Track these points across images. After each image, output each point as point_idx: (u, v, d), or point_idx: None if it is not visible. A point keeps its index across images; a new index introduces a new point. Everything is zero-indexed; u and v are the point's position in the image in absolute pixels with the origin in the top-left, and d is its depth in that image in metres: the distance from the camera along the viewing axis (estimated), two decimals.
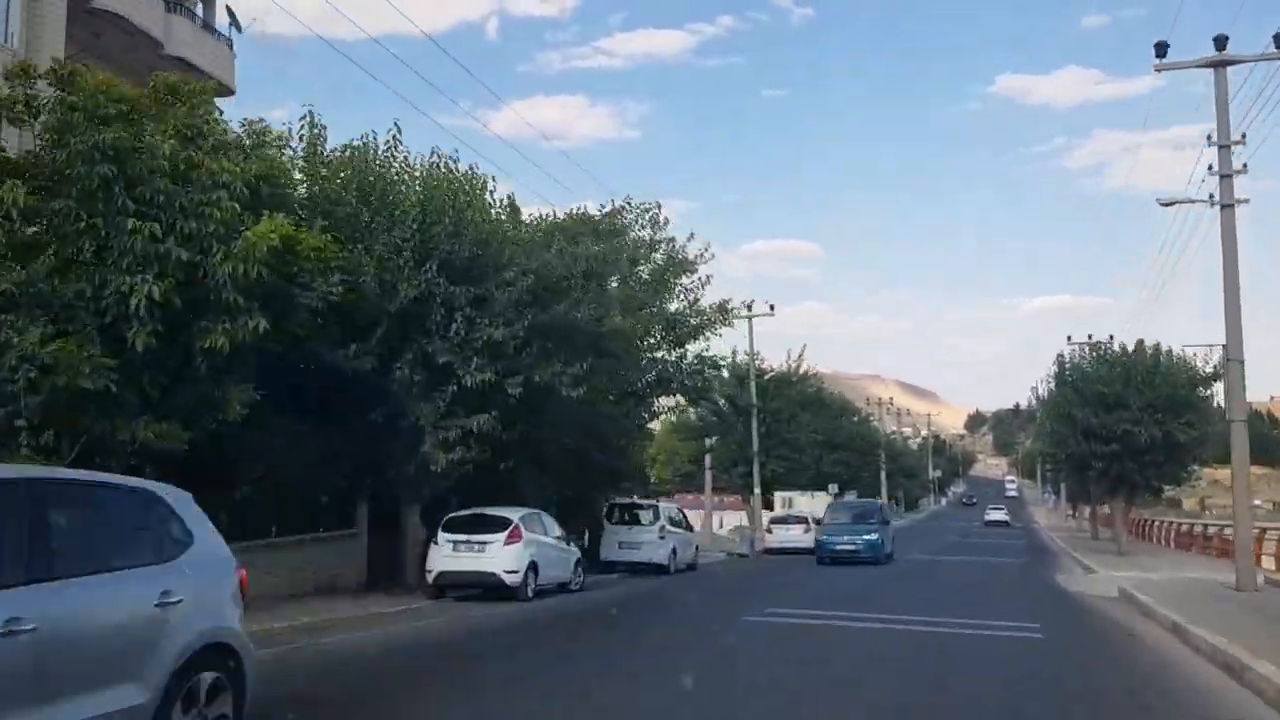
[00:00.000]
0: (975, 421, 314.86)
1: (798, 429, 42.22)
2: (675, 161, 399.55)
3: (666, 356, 26.17)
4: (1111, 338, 34.13)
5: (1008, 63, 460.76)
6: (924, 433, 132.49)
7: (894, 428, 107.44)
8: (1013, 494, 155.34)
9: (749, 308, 43.23)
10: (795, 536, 36.82)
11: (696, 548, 29.59)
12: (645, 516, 25.90)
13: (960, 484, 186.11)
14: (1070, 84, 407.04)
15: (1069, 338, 34.87)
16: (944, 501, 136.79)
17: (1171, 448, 31.60)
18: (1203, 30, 18.72)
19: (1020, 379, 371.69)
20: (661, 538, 25.68)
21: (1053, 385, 34.58)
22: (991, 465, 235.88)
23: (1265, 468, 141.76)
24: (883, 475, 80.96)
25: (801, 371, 43.75)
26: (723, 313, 27.63)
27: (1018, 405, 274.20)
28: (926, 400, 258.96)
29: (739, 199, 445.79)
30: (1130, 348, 32.77)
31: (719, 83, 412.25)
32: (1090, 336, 34.42)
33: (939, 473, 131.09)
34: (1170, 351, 31.92)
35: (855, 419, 63.49)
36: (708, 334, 26.89)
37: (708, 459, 43.81)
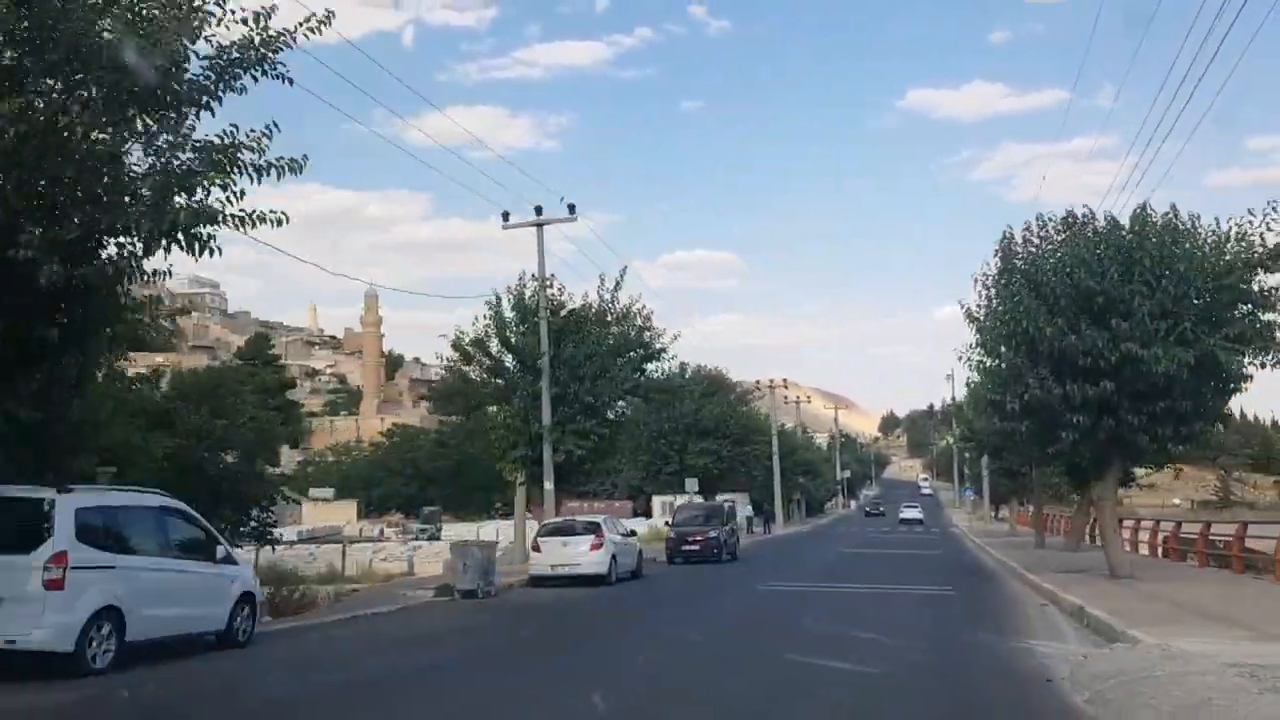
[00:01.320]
0: (889, 424, 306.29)
1: (607, 386, 27.46)
2: (595, 173, 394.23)
3: None
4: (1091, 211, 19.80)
5: (918, 77, 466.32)
6: (833, 430, 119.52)
7: (803, 431, 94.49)
8: (928, 492, 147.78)
9: (538, 211, 28.74)
10: (575, 557, 22.13)
11: None
12: None
13: (873, 486, 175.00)
14: (977, 98, 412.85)
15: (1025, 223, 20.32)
16: (853, 505, 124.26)
17: (1205, 380, 17.74)
18: None
19: (933, 386, 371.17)
20: None
21: (989, 297, 19.84)
22: (906, 467, 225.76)
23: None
24: (776, 472, 67.18)
25: (626, 306, 28.98)
26: None
27: (931, 406, 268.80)
28: (842, 407, 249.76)
29: (659, 210, 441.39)
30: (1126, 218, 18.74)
31: (637, 94, 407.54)
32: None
33: (848, 473, 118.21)
34: (1199, 218, 18.03)
35: (732, 396, 49.24)
36: None
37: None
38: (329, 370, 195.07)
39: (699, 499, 43.57)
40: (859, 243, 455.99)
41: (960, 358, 21.16)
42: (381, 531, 72.82)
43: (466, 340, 28.19)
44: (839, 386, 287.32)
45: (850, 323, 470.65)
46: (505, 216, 28.72)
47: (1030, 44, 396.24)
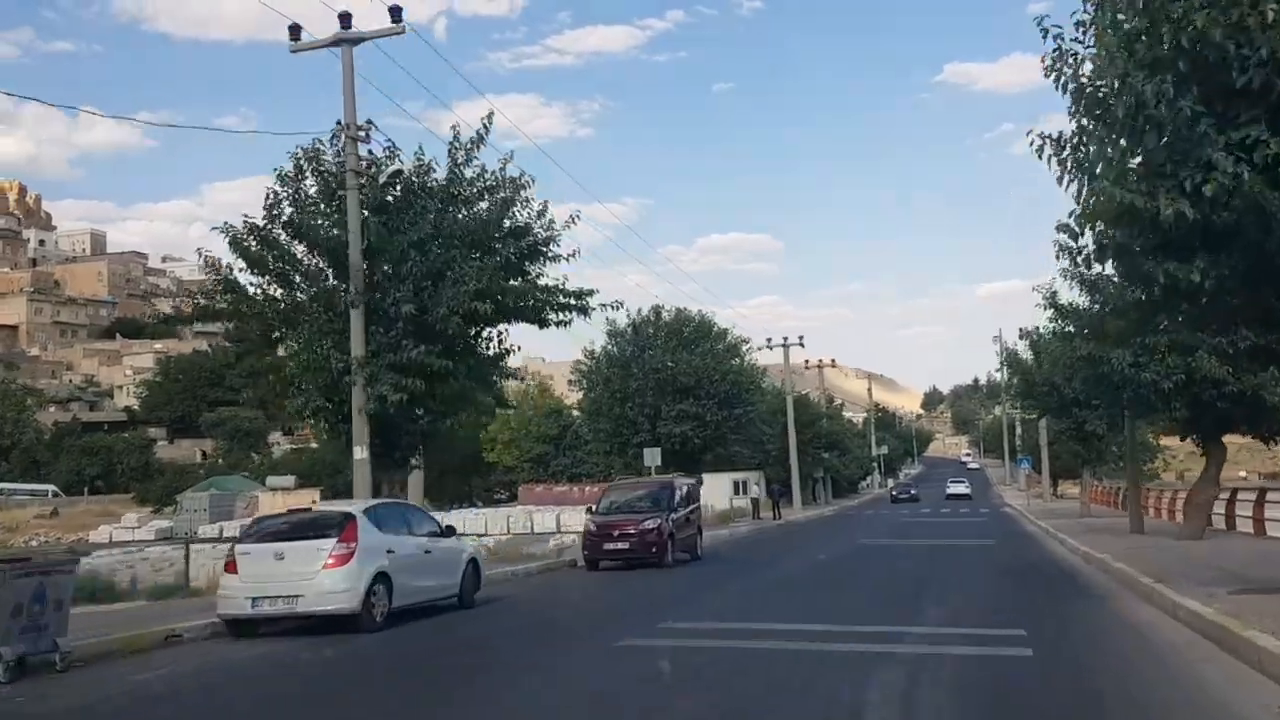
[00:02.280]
0: (932, 400, 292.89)
1: (447, 293, 16.77)
2: (629, 158, 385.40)
3: None
4: None
5: (956, 51, 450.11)
6: (868, 406, 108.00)
7: (829, 401, 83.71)
8: (974, 467, 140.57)
9: (344, 21, 18.12)
10: (294, 581, 11.57)
11: None
12: None
13: (914, 464, 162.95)
14: (1017, 70, 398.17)
15: None
16: (891, 484, 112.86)
17: None
18: None
19: (976, 363, 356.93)
20: None
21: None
22: (950, 444, 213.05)
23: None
24: (791, 441, 56.31)
25: (494, 172, 18.01)
26: None
27: (976, 380, 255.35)
28: (885, 387, 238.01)
29: (694, 194, 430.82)
30: None
31: (670, 78, 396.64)
32: None
33: (884, 449, 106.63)
34: None
35: (720, 346, 38.25)
36: None
37: None
38: None
39: (686, 478, 33.27)
40: (897, 222, 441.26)
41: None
42: None
43: (243, 232, 17.69)
44: (879, 367, 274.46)
45: (890, 302, 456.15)
46: (293, 33, 18.22)
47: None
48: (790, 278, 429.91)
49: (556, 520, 49.80)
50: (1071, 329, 22.56)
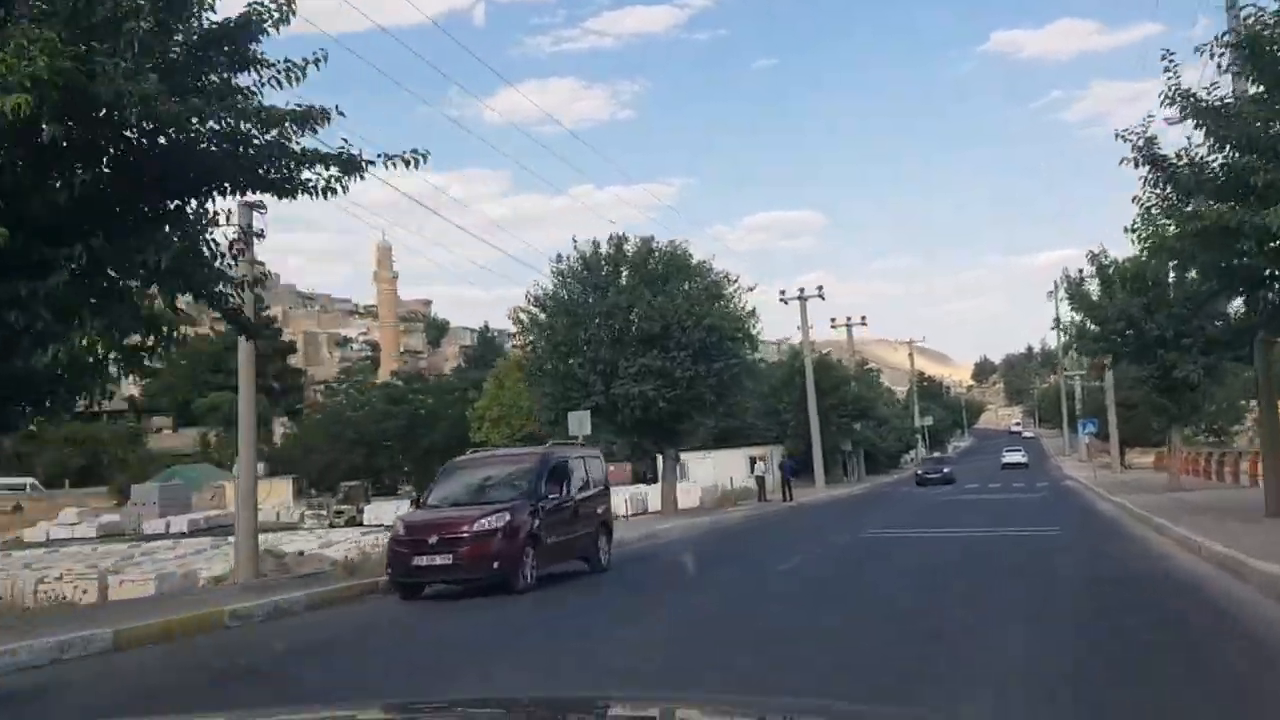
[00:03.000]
0: (983, 370, 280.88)
1: None
2: (671, 138, 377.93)
3: None
4: None
5: (1000, 18, 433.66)
6: (910, 374, 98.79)
7: (861, 363, 75.52)
8: (1028, 436, 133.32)
9: None
10: None
11: None
12: None
13: (965, 437, 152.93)
14: (1064, 36, 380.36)
15: None
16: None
17: None
18: None
19: (1030, 333, 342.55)
20: None
21: None
22: (1003, 415, 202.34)
23: None
24: (812, 407, 47.94)
25: None
26: None
27: (1030, 348, 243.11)
28: (937, 361, 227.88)
29: (737, 172, 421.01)
30: None
31: (711, 56, 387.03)
32: None
33: (929, 419, 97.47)
34: None
35: (689, 285, 29.61)
36: None
37: None
38: (362, 338, 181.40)
39: (579, 449, 26.59)
40: (943, 193, 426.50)
41: None
42: (302, 516, 56.13)
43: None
44: (930, 340, 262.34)
45: (939, 275, 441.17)
46: None
47: None
48: (835, 253, 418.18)
49: None
50: (1176, 196, 13.95)
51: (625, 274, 29.28)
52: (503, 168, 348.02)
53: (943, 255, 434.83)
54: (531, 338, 29.66)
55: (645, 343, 28.12)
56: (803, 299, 49.61)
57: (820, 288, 50.46)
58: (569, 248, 29.37)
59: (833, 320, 62.59)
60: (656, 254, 29.39)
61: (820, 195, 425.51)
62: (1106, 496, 30.20)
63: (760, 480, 39.77)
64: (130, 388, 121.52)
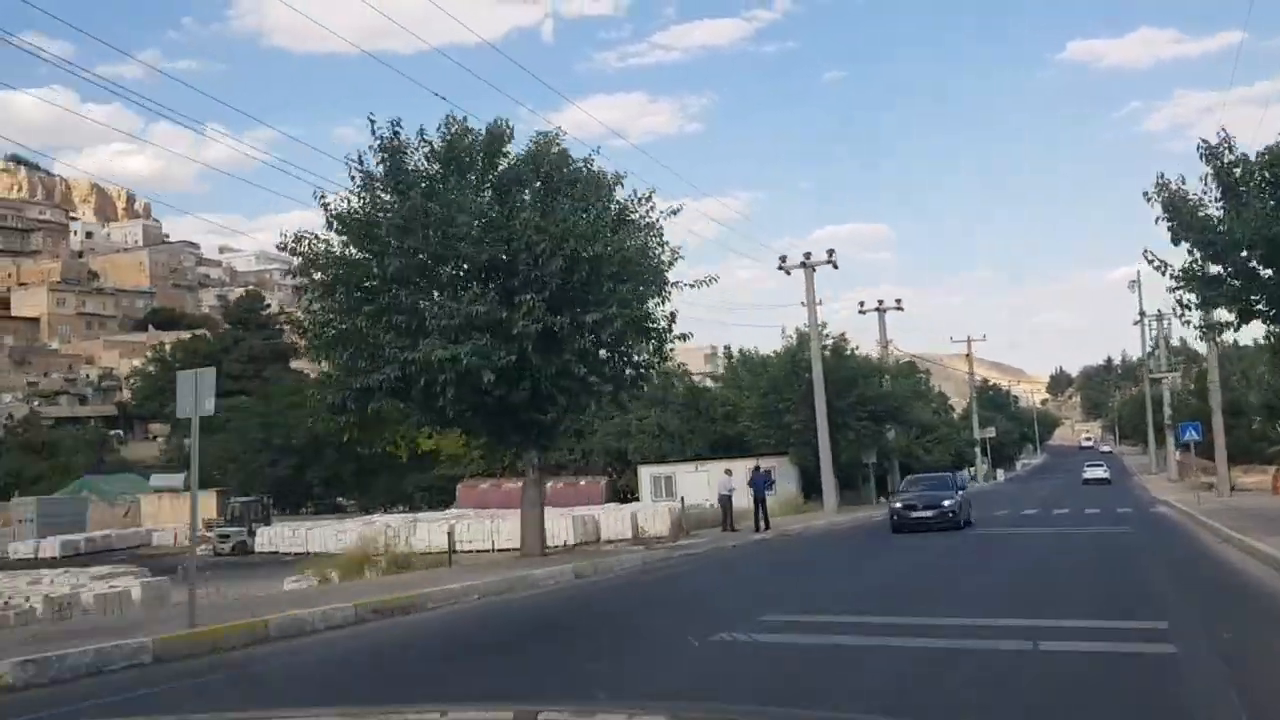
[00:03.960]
0: (1059, 383, 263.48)
1: None
2: (739, 151, 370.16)
3: None
4: None
5: (1077, 28, 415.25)
6: (967, 376, 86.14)
7: (894, 357, 64.45)
8: (1105, 449, 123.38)
9: None
10: None
11: None
12: None
13: (1037, 453, 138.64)
14: (1144, 46, 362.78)
15: None
16: (1001, 475, 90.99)
17: None
18: None
19: (1108, 345, 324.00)
20: None
21: None
22: (1080, 430, 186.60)
23: None
24: (819, 409, 36.83)
25: None
26: None
27: (1109, 360, 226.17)
28: (1012, 376, 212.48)
29: (807, 185, 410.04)
30: None
31: (779, 69, 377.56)
32: None
33: (991, 431, 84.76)
34: None
35: (594, 213, 18.86)
36: None
37: None
38: None
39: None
40: (1018, 207, 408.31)
41: None
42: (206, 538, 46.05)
43: None
44: (1004, 357, 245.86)
45: (1014, 291, 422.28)
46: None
47: None
48: (907, 266, 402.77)
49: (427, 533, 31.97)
50: None
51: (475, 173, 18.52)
52: None
53: (1017, 269, 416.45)
54: (309, 285, 19.03)
55: (473, 277, 17.37)
56: (807, 266, 38.44)
57: (898, 300, 39.72)
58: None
59: (860, 305, 51.31)
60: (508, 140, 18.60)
61: (893, 208, 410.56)
62: (1230, 535, 18.71)
63: (725, 500, 28.69)
64: (123, 391, 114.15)
